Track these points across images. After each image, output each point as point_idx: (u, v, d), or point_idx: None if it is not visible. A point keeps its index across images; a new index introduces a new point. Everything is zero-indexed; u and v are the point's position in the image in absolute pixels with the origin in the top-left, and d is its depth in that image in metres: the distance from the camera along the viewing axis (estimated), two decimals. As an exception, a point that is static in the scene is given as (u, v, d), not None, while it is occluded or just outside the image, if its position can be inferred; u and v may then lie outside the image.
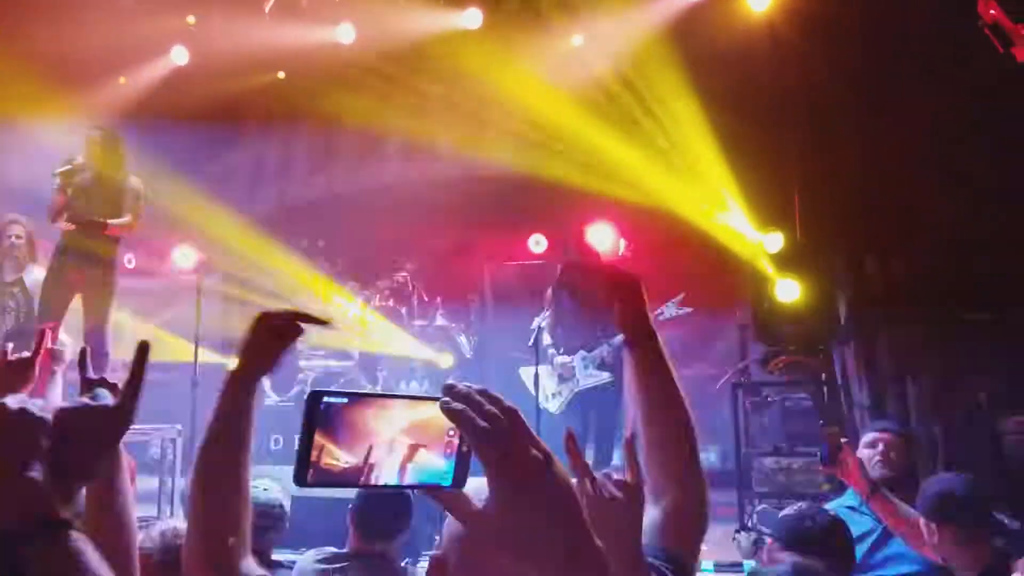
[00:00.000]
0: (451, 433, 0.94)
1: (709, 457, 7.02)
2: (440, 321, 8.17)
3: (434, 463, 0.95)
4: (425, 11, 8.48)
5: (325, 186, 9.53)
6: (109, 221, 6.21)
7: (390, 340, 8.01)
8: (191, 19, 8.64)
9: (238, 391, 1.52)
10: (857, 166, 5.79)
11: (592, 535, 0.86)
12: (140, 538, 2.67)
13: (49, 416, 1.06)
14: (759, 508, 5.09)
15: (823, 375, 5.96)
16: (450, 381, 0.89)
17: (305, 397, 0.92)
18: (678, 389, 1.63)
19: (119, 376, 1.28)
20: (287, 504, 3.29)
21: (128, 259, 7.91)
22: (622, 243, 7.60)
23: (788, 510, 2.90)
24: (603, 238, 7.32)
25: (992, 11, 3.48)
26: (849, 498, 3.55)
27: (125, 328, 7.11)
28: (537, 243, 8.27)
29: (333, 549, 3.30)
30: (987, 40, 3.62)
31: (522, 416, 0.86)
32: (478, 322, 8.41)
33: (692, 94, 7.55)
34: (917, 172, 5.71)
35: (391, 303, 8.24)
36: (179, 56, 8.81)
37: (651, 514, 1.55)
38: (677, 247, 7.55)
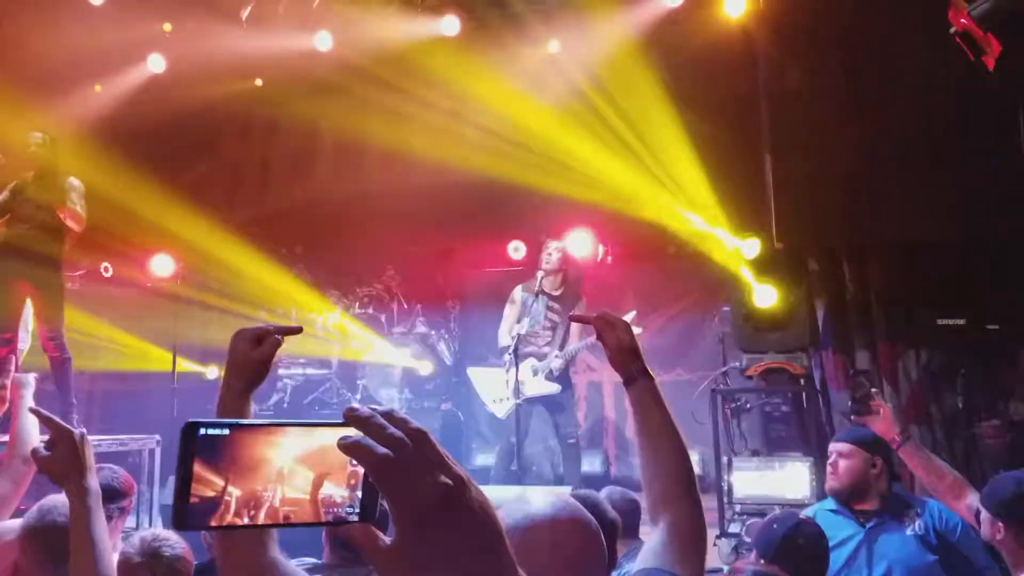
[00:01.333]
0: (353, 462, 0.85)
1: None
2: (420, 328, 8.15)
3: (338, 494, 0.86)
4: (403, 18, 8.48)
5: (303, 193, 9.48)
6: (67, 204, 6.08)
7: (369, 348, 7.98)
8: (167, 26, 8.58)
9: (231, 404, 1.60)
10: (833, 171, 5.83)
11: (515, 565, 0.79)
12: (122, 547, 2.68)
13: None
14: (748, 522, 5.09)
15: (802, 380, 5.98)
16: (351, 405, 0.81)
17: (181, 430, 0.81)
18: (672, 422, 1.77)
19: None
20: None
21: (105, 267, 7.84)
22: (600, 249, 7.62)
23: (765, 519, 2.91)
24: (582, 244, 7.33)
25: (963, 20, 3.51)
26: (829, 503, 3.57)
27: (101, 337, 7.03)
28: (516, 250, 8.28)
29: (313, 560, 3.28)
30: (959, 48, 3.66)
31: (432, 438, 0.78)
32: (458, 328, 8.41)
33: (668, 99, 7.59)
34: (893, 176, 5.76)
35: (371, 310, 8.23)
36: (155, 64, 8.75)
37: (652, 538, 1.67)
38: (655, 253, 7.58)
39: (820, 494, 4.75)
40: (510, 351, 6.19)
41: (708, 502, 5.92)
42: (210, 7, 8.42)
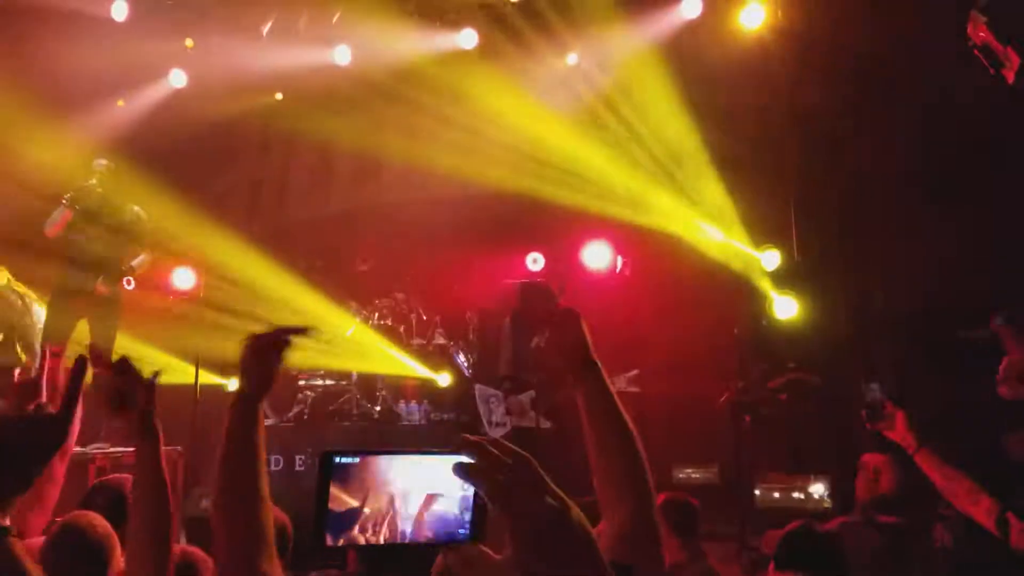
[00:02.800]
0: (465, 486, 0.95)
1: (709, 476, 7.03)
2: (439, 340, 8.18)
3: (450, 514, 0.97)
4: (421, 32, 8.54)
5: (323, 206, 9.55)
6: (132, 264, 6.57)
7: (388, 359, 8.01)
8: (189, 42, 8.68)
9: (246, 410, 1.59)
10: (854, 183, 5.83)
11: None
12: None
13: None
14: (765, 533, 5.08)
15: (822, 393, 5.97)
16: (464, 435, 0.89)
17: (319, 458, 0.95)
18: (623, 414, 1.69)
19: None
20: (290, 527, 3.30)
21: (127, 280, 7.90)
22: (619, 260, 7.63)
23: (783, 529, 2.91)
24: (600, 256, 7.35)
25: (981, 33, 3.52)
26: (855, 514, 3.55)
27: (124, 349, 7.06)
28: (535, 261, 8.30)
29: (336, 572, 3.31)
30: (977, 62, 3.66)
31: (535, 464, 0.87)
32: (477, 340, 8.42)
33: (686, 111, 7.61)
34: (913, 189, 5.75)
35: (389, 322, 8.26)
36: (177, 79, 8.85)
37: (604, 532, 1.59)
38: (675, 266, 7.58)
39: (843, 506, 4.73)
40: (508, 383, 6.27)
41: (729, 514, 5.92)
42: (231, 23, 8.52)
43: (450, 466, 0.87)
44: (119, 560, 2.71)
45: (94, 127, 8.65)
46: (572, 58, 8.56)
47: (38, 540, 2.73)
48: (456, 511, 0.97)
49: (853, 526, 3.51)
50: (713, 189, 7.10)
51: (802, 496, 5.31)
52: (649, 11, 8.08)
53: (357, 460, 0.95)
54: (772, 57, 6.87)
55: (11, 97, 7.70)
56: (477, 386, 6.63)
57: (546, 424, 6.17)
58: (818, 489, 5.28)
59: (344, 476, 0.95)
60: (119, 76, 8.59)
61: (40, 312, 6.53)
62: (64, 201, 6.43)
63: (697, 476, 7.04)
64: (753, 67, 7.15)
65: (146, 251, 6.71)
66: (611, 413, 1.69)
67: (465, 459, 0.86)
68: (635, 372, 5.56)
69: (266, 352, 1.64)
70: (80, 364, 1.26)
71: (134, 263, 6.63)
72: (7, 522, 1.05)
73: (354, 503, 0.94)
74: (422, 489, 0.96)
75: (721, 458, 6.20)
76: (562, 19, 8.21)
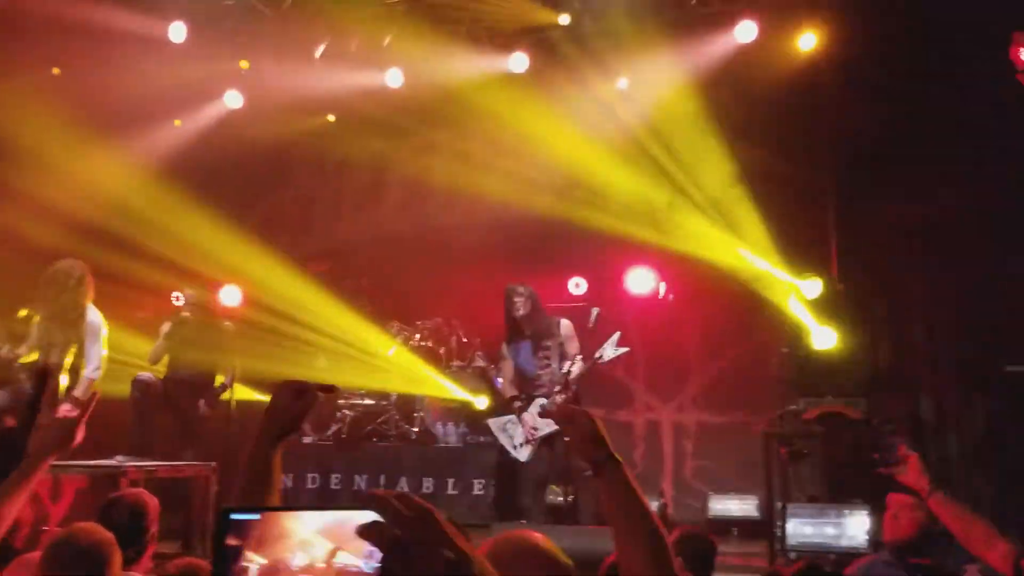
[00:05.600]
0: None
1: (747, 507, 6.85)
2: (479, 362, 8.15)
3: (354, 567, 0.96)
4: (472, 56, 8.60)
5: (371, 227, 9.66)
6: (224, 384, 7.03)
7: (428, 381, 8.02)
8: (245, 64, 8.89)
9: (265, 448, 1.71)
10: (896, 212, 5.66)
11: None
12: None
13: None
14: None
15: (860, 426, 5.76)
16: (370, 490, 0.94)
17: (217, 514, 0.98)
18: (646, 506, 1.74)
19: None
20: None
21: (176, 296, 8.08)
22: (662, 286, 7.53)
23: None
24: (643, 282, 7.27)
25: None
26: (885, 554, 3.42)
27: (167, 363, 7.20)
28: (577, 285, 8.25)
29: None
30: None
31: (437, 518, 0.88)
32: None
33: (732, 137, 7.52)
34: (957, 219, 5.55)
35: (430, 343, 8.27)
36: (233, 100, 9.07)
37: None
38: (715, 293, 7.45)
39: (878, 544, 4.55)
40: (518, 400, 6.26)
41: (758, 548, 5.75)
42: (286, 45, 8.71)
43: (356, 520, 0.88)
44: (117, 570, 2.72)
45: (152, 146, 8.92)
46: (621, 83, 8.52)
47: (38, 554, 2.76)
48: (360, 561, 0.97)
49: (879, 566, 3.36)
50: (754, 216, 6.97)
51: (836, 532, 5.11)
52: (700, 35, 8.01)
53: (258, 516, 0.98)
54: (819, 82, 6.73)
55: (73, 116, 7.99)
56: (489, 422, 6.60)
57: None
58: (853, 525, 5.08)
59: (244, 532, 0.97)
60: (176, 96, 8.86)
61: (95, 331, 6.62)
62: (162, 331, 6.89)
63: (735, 508, 6.87)
64: (798, 91, 7.03)
65: (236, 361, 7.12)
66: (632, 508, 1.73)
67: (370, 515, 0.88)
68: (618, 334, 5.47)
69: (293, 400, 1.74)
70: (41, 373, 1.28)
71: (226, 380, 7.04)
72: None
73: (257, 559, 0.96)
74: (326, 544, 0.97)
75: (760, 490, 6.03)
76: (611, 44, 8.19)
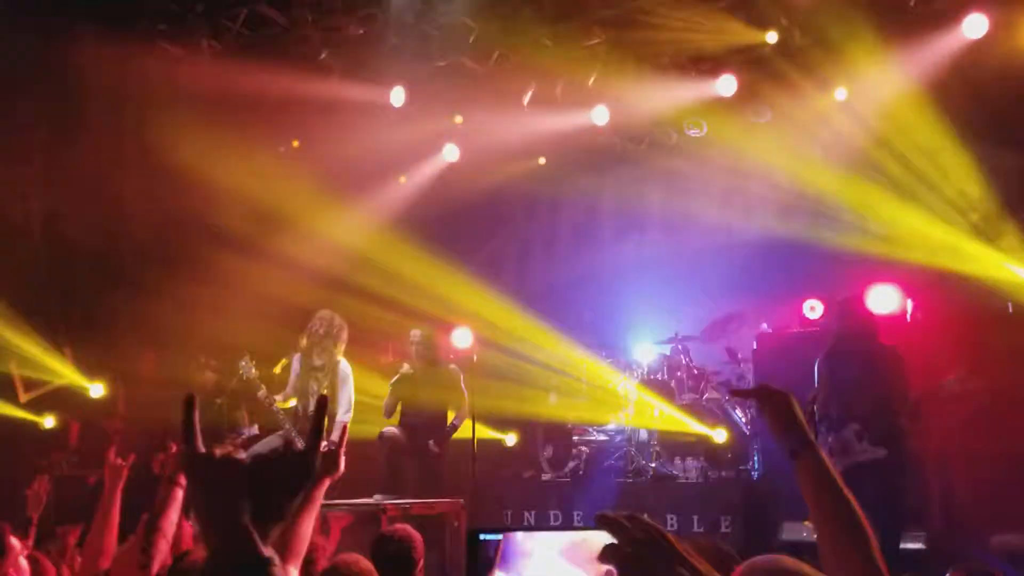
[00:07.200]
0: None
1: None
2: (711, 394, 7.98)
3: None
4: (677, 83, 8.53)
5: (589, 262, 9.78)
6: (454, 423, 7.28)
7: (660, 415, 7.93)
8: (458, 119, 9.30)
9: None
10: None
11: None
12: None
13: (247, 462, 1.18)
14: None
15: None
16: (601, 512, 1.01)
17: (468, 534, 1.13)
18: (844, 492, 1.72)
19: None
20: None
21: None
22: (909, 305, 7.07)
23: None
24: (887, 301, 6.86)
25: None
26: None
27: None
28: (812, 309, 7.88)
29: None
30: None
31: (668, 538, 0.95)
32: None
33: (973, 139, 6.99)
34: None
35: (659, 376, 8.19)
36: (450, 153, 9.50)
37: None
38: (971, 310, 6.87)
39: None
40: (808, 417, 5.88)
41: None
42: (495, 96, 9.02)
43: (590, 541, 1.03)
44: None
45: (382, 203, 9.53)
46: (839, 94, 8.15)
47: None
48: None
49: None
50: (1012, 225, 6.41)
51: None
52: (923, 36, 7.54)
53: (501, 537, 1.11)
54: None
55: (313, 182, 8.70)
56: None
57: (881, 452, 5.67)
58: None
59: (491, 550, 1.11)
60: (400, 155, 9.41)
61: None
62: (390, 387, 7.26)
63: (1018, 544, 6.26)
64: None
65: (464, 401, 7.33)
66: (830, 493, 1.74)
67: (603, 535, 0.97)
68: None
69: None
70: (321, 402, 1.37)
71: (455, 420, 7.29)
72: (269, 553, 1.12)
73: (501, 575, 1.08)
74: (563, 562, 1.08)
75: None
76: (826, 55, 7.87)
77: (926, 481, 6.90)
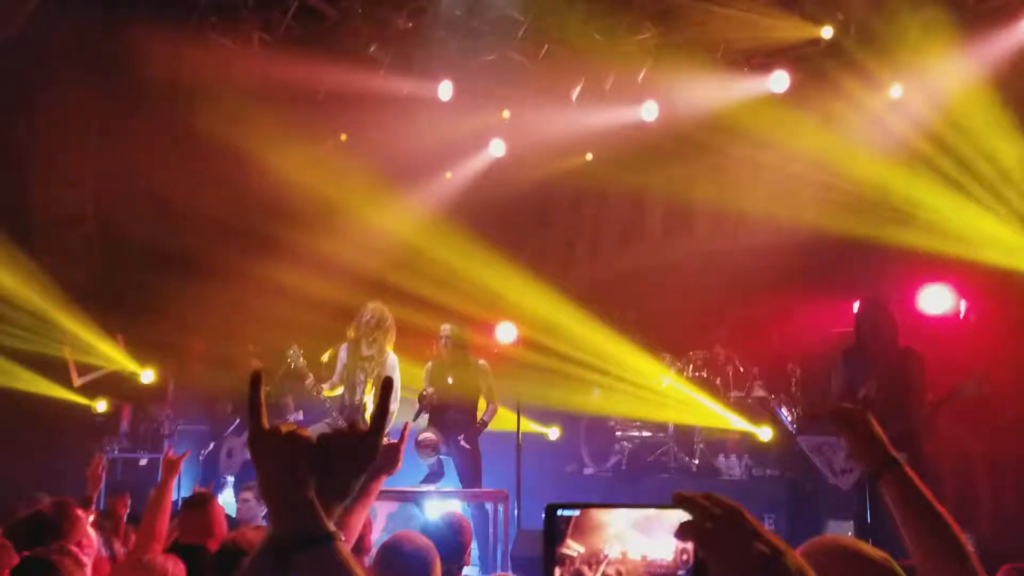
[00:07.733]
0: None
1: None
2: (758, 392, 7.88)
3: (665, 562, 1.07)
4: (728, 79, 8.45)
5: (634, 259, 9.71)
6: (484, 419, 7.15)
7: (705, 412, 7.85)
8: (506, 113, 9.30)
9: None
10: None
11: None
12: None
13: (314, 439, 1.21)
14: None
15: None
16: (680, 491, 1.01)
17: (546, 510, 1.12)
18: (935, 507, 1.67)
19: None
20: None
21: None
22: (963, 305, 6.90)
23: None
24: (939, 300, 6.71)
25: None
26: None
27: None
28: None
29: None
30: None
31: (747, 514, 0.94)
32: (800, 393, 7.97)
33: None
34: None
35: (704, 374, 8.11)
36: (497, 148, 9.51)
37: None
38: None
39: None
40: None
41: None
42: (543, 91, 9.02)
43: (664, 517, 1.02)
44: (438, 573, 2.94)
45: (429, 198, 9.58)
46: (895, 91, 7.99)
47: None
48: (670, 557, 1.07)
49: None
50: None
51: None
52: (982, 32, 7.38)
53: (577, 512, 1.11)
54: None
55: (360, 174, 8.77)
56: (801, 439, 6.25)
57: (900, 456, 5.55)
58: None
59: (566, 525, 1.11)
60: (446, 150, 9.44)
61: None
62: (424, 395, 7.12)
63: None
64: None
65: (495, 396, 7.22)
66: (923, 509, 1.68)
67: (679, 513, 0.97)
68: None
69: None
70: (387, 385, 1.37)
71: (484, 416, 7.17)
72: (333, 528, 1.14)
73: (576, 547, 1.10)
74: (638, 537, 1.08)
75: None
76: (880, 52, 7.72)
77: (973, 483, 6.76)
